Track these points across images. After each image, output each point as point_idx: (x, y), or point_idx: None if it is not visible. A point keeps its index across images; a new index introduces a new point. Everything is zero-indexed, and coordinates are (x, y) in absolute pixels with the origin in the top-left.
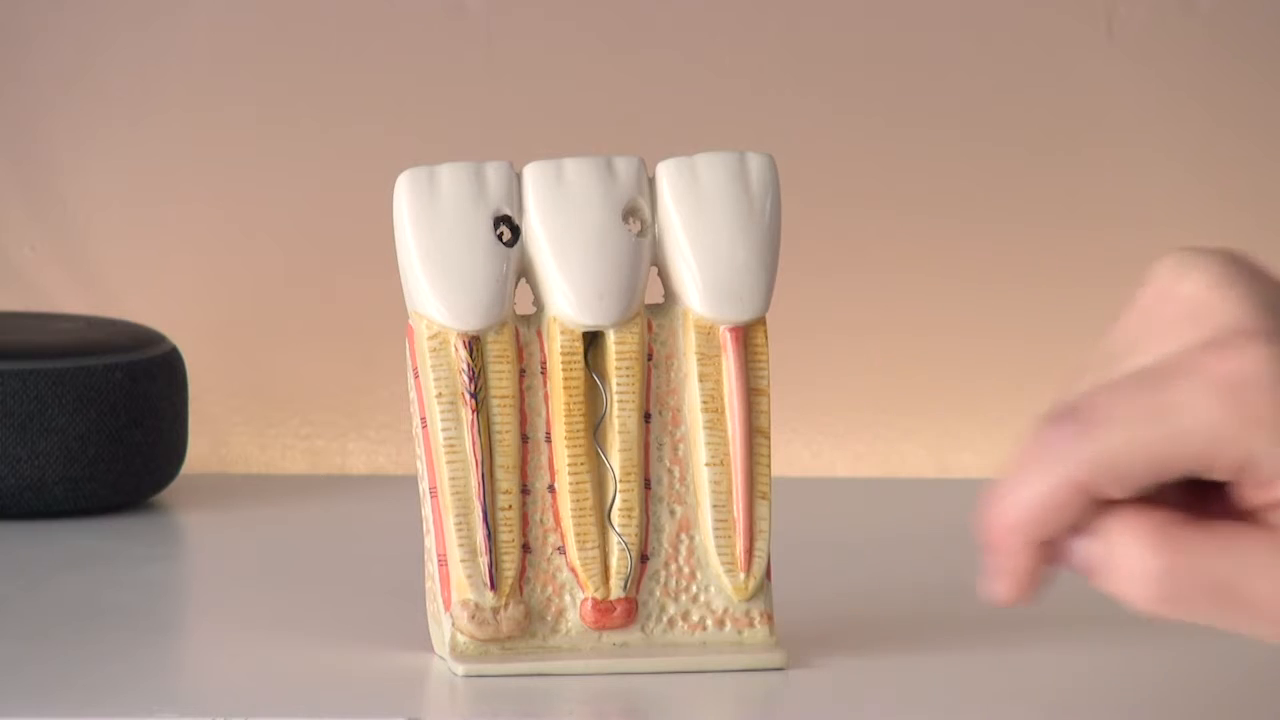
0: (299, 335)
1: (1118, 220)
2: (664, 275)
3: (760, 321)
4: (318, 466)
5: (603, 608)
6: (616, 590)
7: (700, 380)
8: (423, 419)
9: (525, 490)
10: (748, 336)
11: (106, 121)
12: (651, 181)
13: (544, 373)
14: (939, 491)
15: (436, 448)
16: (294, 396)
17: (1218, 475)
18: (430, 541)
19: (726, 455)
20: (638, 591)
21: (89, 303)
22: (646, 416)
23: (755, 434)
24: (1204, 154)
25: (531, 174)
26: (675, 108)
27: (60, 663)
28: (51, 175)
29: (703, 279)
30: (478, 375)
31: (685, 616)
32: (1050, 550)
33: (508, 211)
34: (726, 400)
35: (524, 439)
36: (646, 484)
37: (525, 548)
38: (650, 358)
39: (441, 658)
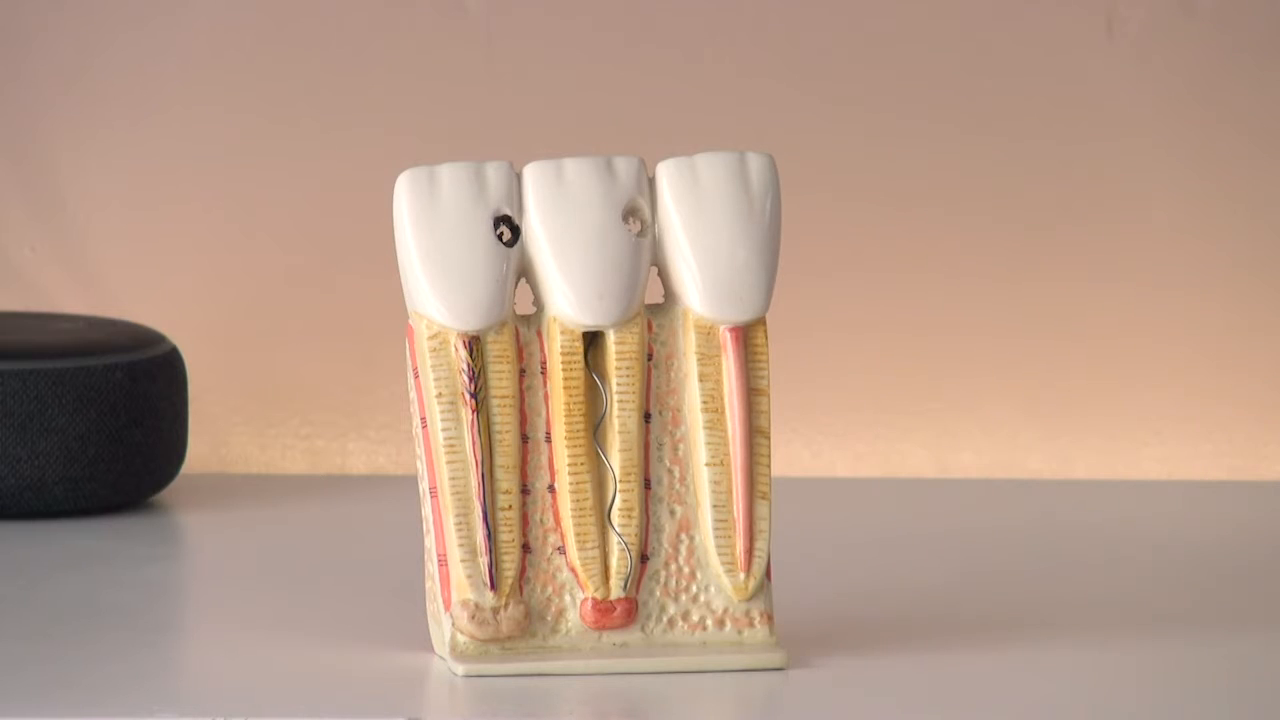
0: (299, 335)
1: (1117, 220)
2: (664, 275)
3: (760, 321)
4: (318, 466)
5: (603, 608)
6: (616, 590)
7: (700, 380)
8: (423, 419)
9: (525, 490)
10: (748, 336)
11: (107, 122)
12: (651, 181)
13: (544, 373)
14: (939, 491)
15: (436, 448)
16: (294, 396)
17: None
18: (430, 541)
19: (726, 455)
20: (638, 591)
21: (89, 303)
22: (646, 416)
23: (755, 434)
24: (1204, 153)
25: (531, 174)
26: (675, 108)
27: (60, 663)
28: (51, 175)
29: (703, 279)
30: (478, 375)
31: (685, 616)
32: None
33: (508, 211)
34: (726, 400)
35: (524, 439)
36: (646, 484)
37: (525, 548)
38: (650, 358)
39: (441, 658)
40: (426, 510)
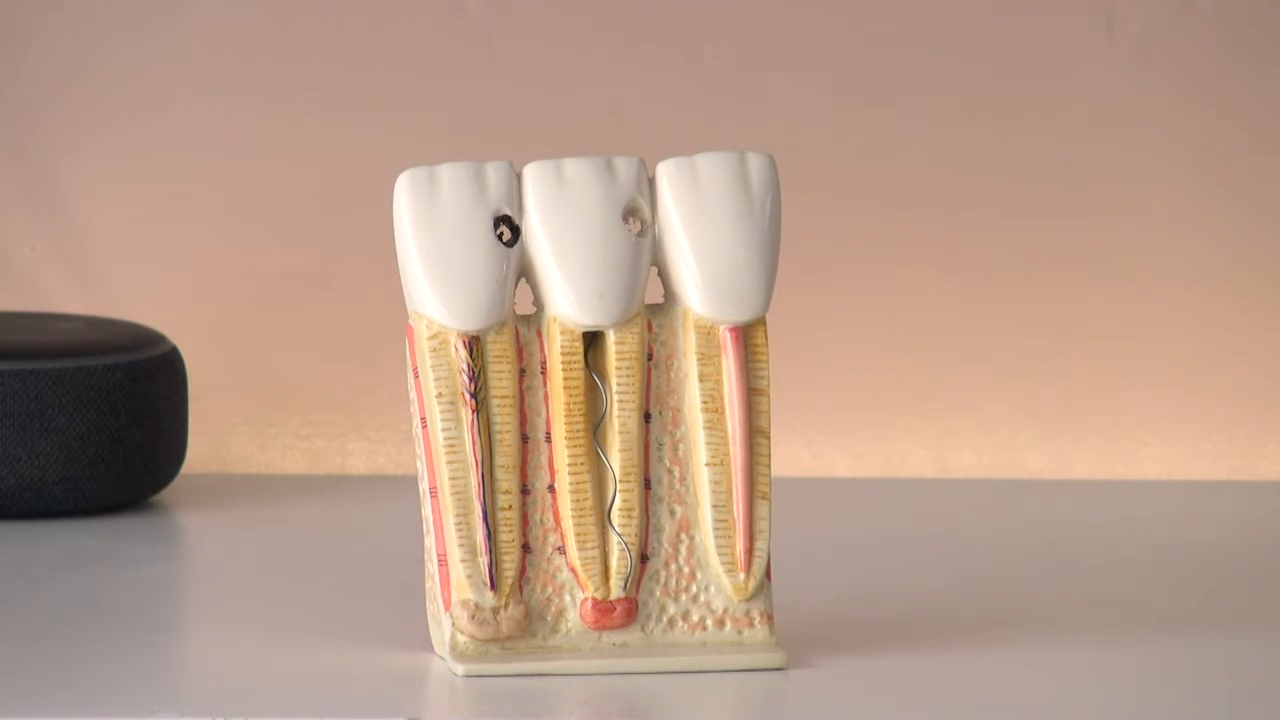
0: (299, 335)
1: (1117, 219)
2: (664, 275)
3: (760, 321)
4: (318, 466)
5: (603, 608)
6: (616, 590)
7: (700, 380)
8: (423, 419)
9: (525, 490)
10: (748, 336)
11: (106, 121)
12: (651, 181)
13: (544, 373)
14: (939, 491)
15: (436, 448)
16: (294, 396)
17: None
18: (430, 541)
19: (726, 455)
20: (638, 591)
21: (89, 303)
22: (646, 416)
23: (755, 434)
24: (1204, 151)
25: (531, 174)
26: (675, 108)
27: (60, 663)
28: (51, 175)
29: (703, 279)
30: (478, 375)
31: (685, 616)
32: None
33: (508, 211)
34: (726, 400)
35: (524, 439)
36: (646, 484)
37: (525, 548)
38: (650, 358)
39: (441, 658)
40: (426, 510)
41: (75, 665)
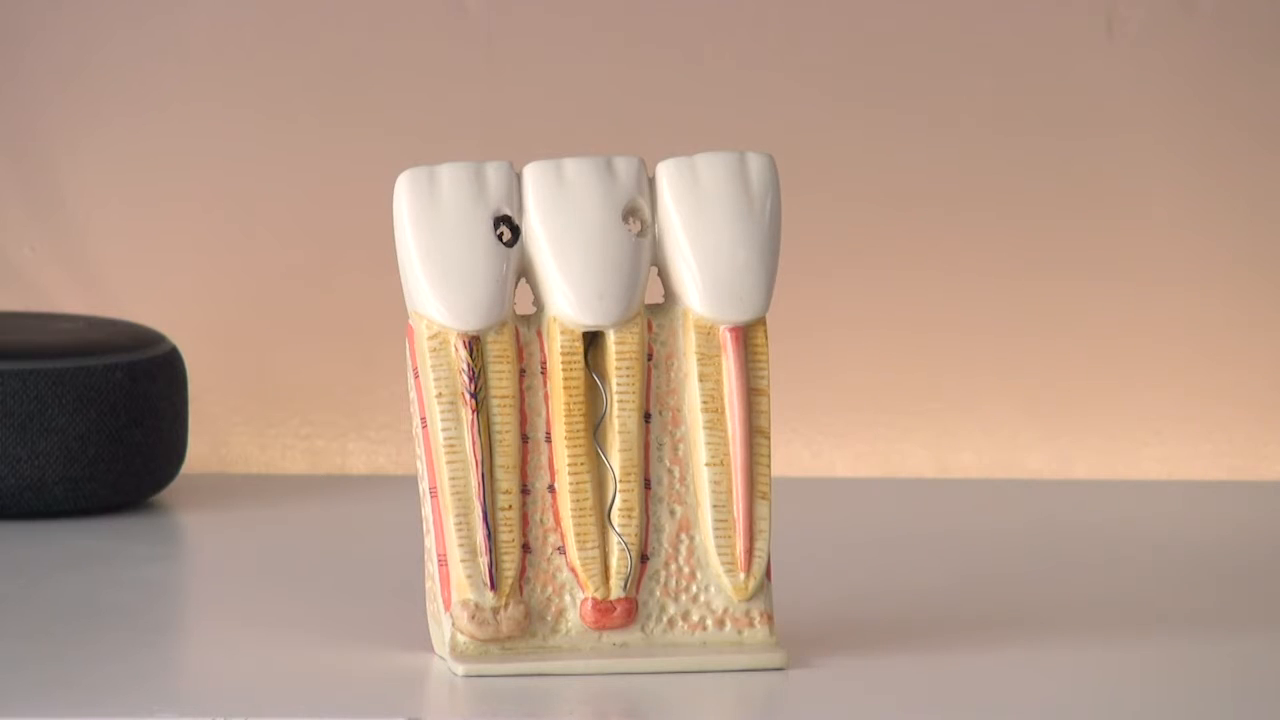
0: (299, 335)
1: (1117, 219)
2: (664, 275)
3: (760, 321)
4: (318, 466)
5: (603, 608)
6: (616, 590)
7: (700, 380)
8: (423, 419)
9: (525, 490)
10: (748, 336)
11: (106, 120)
12: (651, 181)
13: (544, 373)
14: (939, 491)
15: (436, 448)
16: (294, 396)
17: None
18: (430, 541)
19: (726, 455)
20: (638, 591)
21: (89, 303)
22: (646, 416)
23: (755, 434)
24: (1204, 151)
25: (531, 174)
26: (675, 108)
27: (60, 663)
28: (51, 174)
29: (703, 279)
30: (478, 375)
31: (685, 616)
32: None
33: (508, 211)
34: (726, 400)
35: (524, 439)
36: (646, 484)
37: (525, 548)
38: (650, 358)
39: (441, 658)
40: (426, 510)
41: (75, 665)
